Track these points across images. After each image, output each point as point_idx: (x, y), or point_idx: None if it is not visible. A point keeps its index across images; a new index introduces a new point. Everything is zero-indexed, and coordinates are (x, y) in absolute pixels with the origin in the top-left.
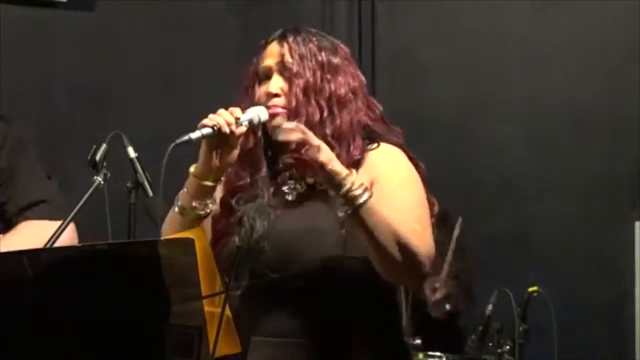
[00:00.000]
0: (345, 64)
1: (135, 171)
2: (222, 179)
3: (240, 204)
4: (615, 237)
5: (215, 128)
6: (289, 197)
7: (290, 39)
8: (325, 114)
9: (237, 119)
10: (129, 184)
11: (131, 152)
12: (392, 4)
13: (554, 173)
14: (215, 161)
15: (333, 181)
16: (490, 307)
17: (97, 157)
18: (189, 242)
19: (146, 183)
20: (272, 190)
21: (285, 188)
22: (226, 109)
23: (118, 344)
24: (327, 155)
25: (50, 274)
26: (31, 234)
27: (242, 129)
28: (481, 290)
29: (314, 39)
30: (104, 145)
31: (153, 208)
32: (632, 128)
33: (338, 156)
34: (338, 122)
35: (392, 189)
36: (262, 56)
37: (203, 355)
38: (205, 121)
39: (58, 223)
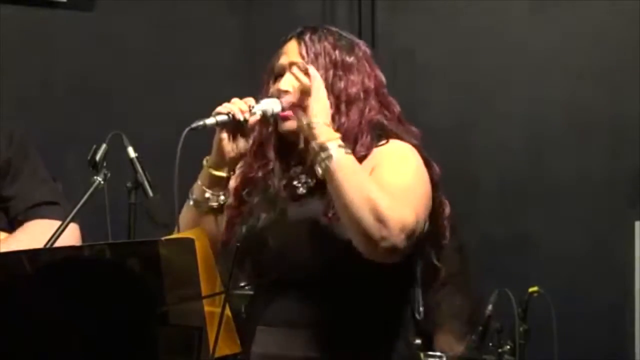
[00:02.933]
0: (362, 64)
1: (135, 171)
2: (237, 170)
3: (252, 195)
4: (615, 237)
5: (229, 115)
6: (299, 191)
7: (307, 37)
8: (333, 111)
9: (250, 107)
10: (129, 184)
11: (131, 152)
12: (392, 4)
13: (554, 173)
14: (229, 150)
15: (309, 131)
16: (490, 307)
17: (97, 157)
18: (189, 242)
19: (146, 183)
20: (283, 182)
21: (295, 182)
22: (241, 98)
23: (118, 344)
24: (315, 107)
25: (50, 274)
26: (41, 233)
27: (256, 117)
28: (481, 290)
29: (331, 37)
30: (104, 145)
31: (154, 208)
32: (632, 128)
33: None
34: (344, 120)
35: (385, 168)
36: (279, 53)
37: (203, 355)
38: (219, 108)
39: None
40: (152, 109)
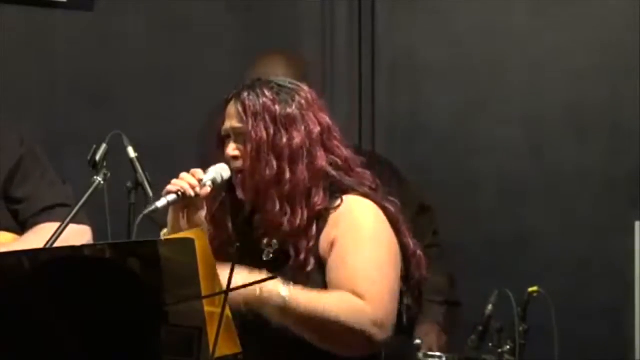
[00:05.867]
0: (304, 111)
1: (135, 171)
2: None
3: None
4: (615, 237)
5: (179, 193)
6: (264, 257)
7: (245, 97)
8: (276, 171)
9: (199, 180)
10: (129, 184)
11: (131, 152)
12: (392, 4)
13: (553, 173)
14: (183, 224)
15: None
16: (490, 307)
17: (97, 157)
18: (189, 242)
19: (146, 183)
20: (246, 248)
21: (261, 246)
22: (188, 171)
23: (117, 344)
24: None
25: (50, 274)
26: (51, 236)
27: (207, 189)
28: (481, 290)
29: (269, 92)
30: (104, 145)
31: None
32: (633, 128)
33: (294, 213)
34: (290, 176)
35: (346, 252)
36: (224, 116)
37: (203, 355)
38: (169, 187)
39: (77, 226)
40: (152, 109)
